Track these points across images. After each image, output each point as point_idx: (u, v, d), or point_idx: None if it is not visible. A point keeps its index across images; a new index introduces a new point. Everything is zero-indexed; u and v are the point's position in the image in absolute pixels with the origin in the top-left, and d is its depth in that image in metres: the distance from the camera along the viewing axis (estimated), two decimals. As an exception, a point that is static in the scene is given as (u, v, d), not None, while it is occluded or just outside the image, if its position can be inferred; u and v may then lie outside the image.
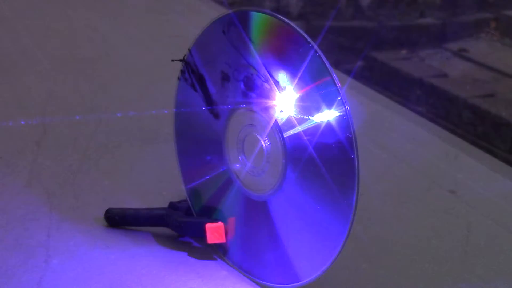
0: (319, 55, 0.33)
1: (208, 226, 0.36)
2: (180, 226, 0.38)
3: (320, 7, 3.10)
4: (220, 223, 0.37)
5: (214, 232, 0.37)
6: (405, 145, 0.56)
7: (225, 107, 0.36)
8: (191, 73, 0.37)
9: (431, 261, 0.41)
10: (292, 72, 0.34)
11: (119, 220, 0.40)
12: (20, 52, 0.71)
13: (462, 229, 0.44)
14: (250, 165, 0.36)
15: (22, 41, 0.74)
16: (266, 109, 0.35)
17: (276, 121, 0.35)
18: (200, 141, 0.38)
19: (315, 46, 0.34)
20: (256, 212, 0.36)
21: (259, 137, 0.36)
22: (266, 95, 0.35)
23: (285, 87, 0.34)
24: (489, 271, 0.40)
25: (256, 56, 0.35)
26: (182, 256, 0.38)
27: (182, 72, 0.37)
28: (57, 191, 0.45)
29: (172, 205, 0.40)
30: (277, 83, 0.34)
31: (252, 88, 0.35)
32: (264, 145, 0.36)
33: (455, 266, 0.40)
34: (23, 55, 0.70)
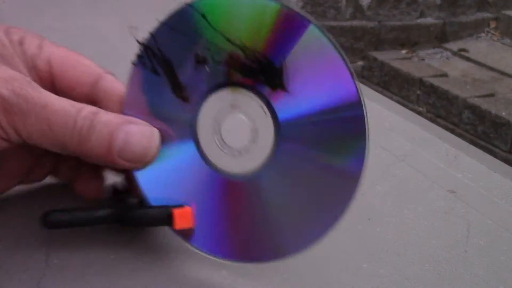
0: (315, 26, 0.33)
1: (177, 211, 0.35)
2: (140, 218, 0.35)
3: (320, 7, 3.11)
4: (187, 208, 0.35)
5: (182, 218, 0.35)
6: (405, 145, 0.56)
7: (206, 88, 0.35)
8: (152, 57, 0.35)
9: (431, 261, 0.41)
10: (285, 48, 0.34)
11: (63, 223, 0.36)
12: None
13: (462, 229, 0.44)
14: (230, 146, 0.36)
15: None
16: (255, 87, 0.35)
17: (266, 98, 0.35)
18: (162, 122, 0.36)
19: (311, 19, 0.34)
20: (238, 192, 0.36)
21: (243, 116, 0.35)
22: (254, 74, 0.34)
23: (276, 64, 0.34)
24: (489, 271, 0.40)
25: (243, 39, 0.34)
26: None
27: (139, 56, 0.35)
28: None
29: (117, 199, 0.37)
30: (267, 61, 0.34)
31: (238, 69, 0.34)
32: (249, 124, 0.35)
33: (455, 266, 0.40)
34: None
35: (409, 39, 3.20)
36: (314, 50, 0.34)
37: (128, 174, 0.38)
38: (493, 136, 2.48)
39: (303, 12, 0.34)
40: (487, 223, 0.45)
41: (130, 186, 0.38)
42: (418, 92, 2.81)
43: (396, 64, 2.96)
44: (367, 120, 0.36)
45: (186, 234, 0.37)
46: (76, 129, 0.33)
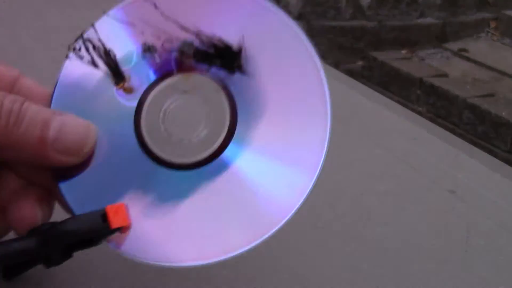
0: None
1: (109, 208, 0.31)
2: (67, 233, 0.30)
3: (320, 7, 3.11)
4: (120, 203, 0.31)
5: (117, 214, 0.31)
6: (405, 145, 0.56)
7: (157, 74, 0.34)
8: (91, 50, 0.33)
9: (431, 261, 0.41)
10: (240, 29, 0.34)
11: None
12: (20, 52, 0.71)
13: (462, 229, 0.44)
14: (180, 134, 0.33)
15: (22, 41, 0.74)
16: (210, 71, 0.34)
17: (222, 81, 0.34)
18: (95, 118, 0.33)
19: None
20: (188, 183, 0.33)
21: (197, 101, 0.34)
22: (209, 59, 0.34)
23: (234, 47, 0.34)
24: (489, 271, 0.40)
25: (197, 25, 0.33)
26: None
27: (74, 49, 0.33)
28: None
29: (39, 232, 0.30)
30: (224, 44, 0.34)
31: (191, 55, 0.34)
32: (204, 109, 0.33)
33: (455, 266, 0.40)
34: (23, 55, 0.70)
35: (409, 39, 3.20)
36: (276, 31, 0.34)
37: (53, 185, 0.32)
38: (493, 136, 2.48)
39: None
40: (487, 223, 0.45)
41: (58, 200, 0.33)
42: (418, 92, 2.81)
43: (396, 64, 2.96)
44: (330, 110, 0.33)
45: (122, 241, 0.32)
46: (3, 111, 0.29)
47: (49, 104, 0.33)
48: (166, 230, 0.33)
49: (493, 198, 0.48)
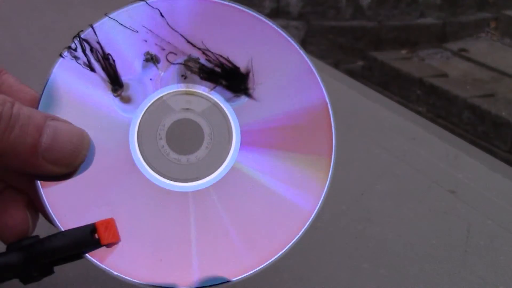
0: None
1: (100, 223, 0.29)
2: (53, 250, 0.28)
3: (320, 7, 3.10)
4: (110, 218, 0.29)
5: (107, 230, 0.29)
6: (405, 145, 0.56)
7: (161, 88, 0.32)
8: (88, 51, 0.31)
9: (431, 261, 0.41)
10: (246, 51, 0.32)
11: None
12: (20, 52, 0.71)
13: (462, 229, 0.44)
14: (178, 153, 0.32)
15: (22, 41, 0.74)
16: (215, 91, 0.32)
17: (226, 102, 0.32)
18: (86, 124, 0.31)
19: (274, 24, 0.32)
20: (181, 205, 0.31)
21: (197, 120, 0.32)
22: (215, 78, 0.32)
23: (241, 69, 0.32)
24: (489, 271, 0.40)
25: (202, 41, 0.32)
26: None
27: (70, 48, 0.31)
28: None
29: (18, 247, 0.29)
30: (232, 65, 0.32)
31: (197, 71, 0.32)
32: (205, 129, 0.32)
33: (455, 266, 0.40)
34: (23, 55, 0.70)
35: (409, 39, 3.20)
36: (282, 56, 0.33)
37: (36, 198, 0.30)
38: (493, 136, 2.48)
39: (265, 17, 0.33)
40: (487, 223, 0.45)
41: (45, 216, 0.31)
42: (418, 92, 2.81)
43: (396, 64, 2.96)
44: (334, 129, 0.32)
45: (106, 257, 0.30)
46: None
47: (36, 105, 0.31)
48: (153, 249, 0.31)
49: (493, 198, 0.48)
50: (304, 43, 2.96)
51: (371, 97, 0.66)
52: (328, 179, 0.31)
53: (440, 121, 2.66)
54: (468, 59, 3.07)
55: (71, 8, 0.87)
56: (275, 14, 2.90)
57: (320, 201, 0.31)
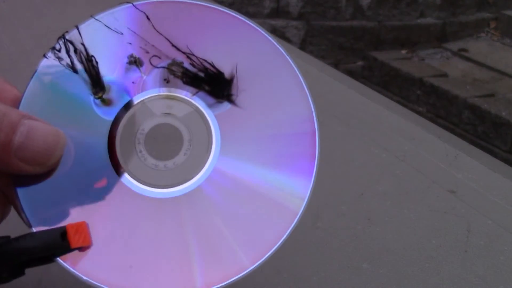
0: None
1: (70, 226, 0.28)
2: (21, 250, 0.28)
3: (320, 7, 3.11)
4: (82, 222, 0.29)
5: (78, 233, 0.29)
6: (405, 145, 0.56)
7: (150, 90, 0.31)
8: (72, 52, 0.31)
9: (431, 261, 0.41)
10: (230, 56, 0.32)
11: None
12: (20, 52, 0.71)
13: (462, 229, 0.44)
14: (156, 159, 0.31)
15: (22, 41, 0.74)
16: (199, 95, 0.32)
17: (208, 108, 0.32)
18: (66, 125, 0.30)
19: (263, 31, 0.32)
20: (159, 212, 0.31)
21: (177, 126, 0.31)
22: (198, 83, 0.32)
23: (226, 75, 0.32)
24: (489, 271, 0.40)
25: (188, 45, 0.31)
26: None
27: (54, 48, 0.31)
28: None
29: None
30: (216, 70, 0.32)
31: (180, 76, 0.32)
32: (184, 134, 0.31)
33: (455, 266, 0.40)
34: (23, 55, 0.70)
35: (409, 39, 3.20)
36: (268, 62, 0.32)
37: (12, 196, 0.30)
38: (493, 136, 2.48)
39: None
40: (487, 223, 0.45)
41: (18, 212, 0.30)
42: (418, 92, 2.81)
43: (396, 64, 2.96)
44: (318, 140, 0.32)
45: (78, 260, 0.29)
46: None
47: (17, 104, 0.30)
48: (128, 255, 0.30)
49: (493, 198, 0.49)
50: (304, 43, 2.96)
51: (371, 97, 0.66)
52: (311, 183, 0.31)
53: (440, 121, 2.66)
54: (468, 59, 3.07)
55: (71, 8, 0.87)
56: (275, 14, 2.90)
57: (305, 202, 0.31)
